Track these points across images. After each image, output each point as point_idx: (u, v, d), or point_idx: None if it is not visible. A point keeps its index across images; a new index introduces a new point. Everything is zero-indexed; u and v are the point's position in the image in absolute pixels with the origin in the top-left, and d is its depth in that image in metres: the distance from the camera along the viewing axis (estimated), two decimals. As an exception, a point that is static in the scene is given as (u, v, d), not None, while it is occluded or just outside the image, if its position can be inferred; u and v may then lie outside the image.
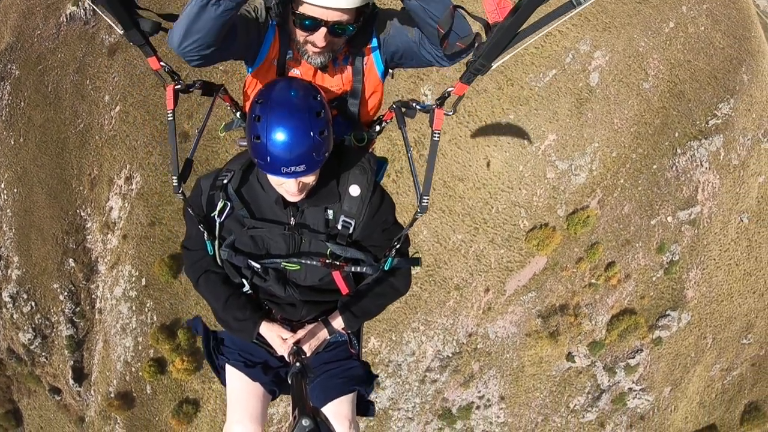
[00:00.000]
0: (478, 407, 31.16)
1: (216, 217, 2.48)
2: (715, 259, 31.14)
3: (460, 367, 30.31)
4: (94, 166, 30.45)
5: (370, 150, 2.96)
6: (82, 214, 30.99)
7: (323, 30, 2.16)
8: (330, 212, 2.49)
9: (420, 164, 3.60)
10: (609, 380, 31.24)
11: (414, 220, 2.41)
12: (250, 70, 2.65)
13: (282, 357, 2.67)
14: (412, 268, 2.79)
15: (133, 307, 31.37)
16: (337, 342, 2.92)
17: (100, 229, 31.04)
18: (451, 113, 2.40)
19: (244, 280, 2.62)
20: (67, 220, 30.84)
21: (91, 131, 30.28)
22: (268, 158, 2.09)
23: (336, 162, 2.44)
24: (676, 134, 30.33)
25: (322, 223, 2.50)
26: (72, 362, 33.87)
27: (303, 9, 2.12)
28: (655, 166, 29.99)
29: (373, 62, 2.54)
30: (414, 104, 2.66)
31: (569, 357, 30.68)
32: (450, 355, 30.07)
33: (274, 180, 2.27)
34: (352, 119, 2.67)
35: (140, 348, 32.42)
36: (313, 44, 2.24)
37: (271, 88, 2.22)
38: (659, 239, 29.77)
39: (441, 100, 2.39)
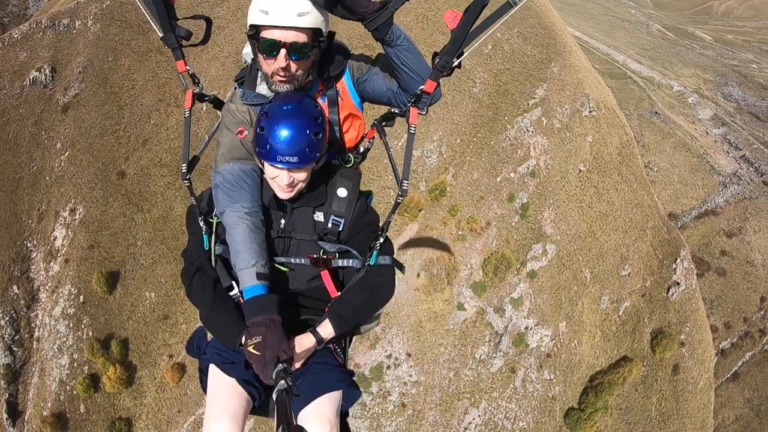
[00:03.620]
0: (388, 367, 33.57)
1: (214, 217, 2.71)
2: (564, 202, 36.59)
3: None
4: (43, 202, 37.17)
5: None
6: (29, 245, 36.78)
7: (283, 51, 2.40)
8: (320, 214, 2.70)
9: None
10: (502, 321, 34.21)
11: (397, 204, 2.59)
12: None
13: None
14: (396, 271, 2.90)
15: (71, 324, 35.49)
16: (322, 349, 2.79)
17: (44, 258, 36.60)
18: (424, 112, 2.64)
19: (233, 282, 2.66)
20: (15, 249, 36.49)
21: (43, 173, 37.56)
22: (268, 147, 2.36)
23: (326, 176, 2.75)
24: (506, 117, 38.17)
25: (311, 225, 2.70)
26: (7, 395, 35.93)
27: (263, 34, 2.41)
28: (492, 142, 37.17)
29: (349, 95, 2.84)
30: (391, 114, 2.92)
31: (460, 306, 34.19)
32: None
33: (269, 171, 2.50)
34: (337, 146, 2.90)
35: (75, 365, 35.66)
36: (277, 72, 2.49)
37: (279, 96, 2.53)
38: (507, 191, 35.67)
39: (415, 99, 2.60)
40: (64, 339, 36.57)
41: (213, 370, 2.71)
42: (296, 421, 2.51)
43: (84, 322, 36.30)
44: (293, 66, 2.49)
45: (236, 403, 2.57)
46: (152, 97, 38.63)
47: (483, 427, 34.53)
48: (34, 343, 37.11)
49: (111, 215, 37.36)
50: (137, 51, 39.25)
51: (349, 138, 2.95)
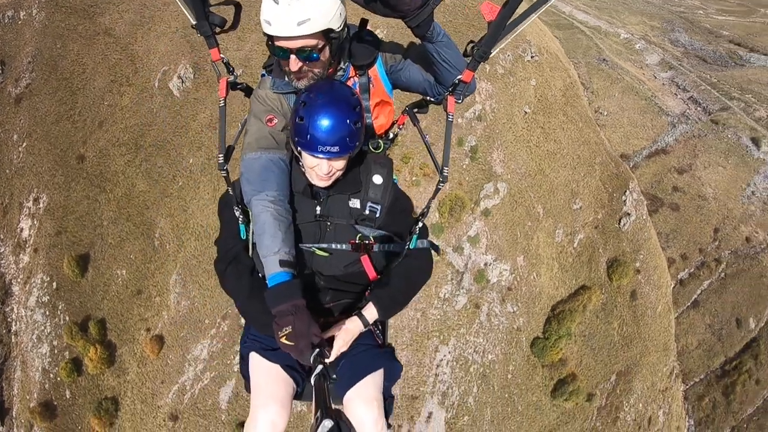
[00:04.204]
0: (357, 312, 34.95)
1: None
2: (512, 142, 38.25)
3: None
4: (5, 195, 37.62)
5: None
6: (-5, 240, 37.38)
7: (293, 57, 2.45)
8: (356, 201, 2.70)
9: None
10: (462, 260, 35.83)
11: (437, 190, 2.70)
12: None
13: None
14: (433, 253, 2.92)
15: (47, 312, 36.12)
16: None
17: (13, 251, 37.13)
18: (460, 101, 2.70)
19: None
20: (-19, 247, 37.07)
21: (2, 166, 37.92)
22: (308, 137, 2.35)
23: (357, 161, 2.74)
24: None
25: (346, 211, 2.69)
26: (-8, 394, 36.48)
27: (275, 41, 2.45)
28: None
29: (380, 82, 2.87)
30: (425, 101, 2.94)
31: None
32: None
33: (308, 161, 2.49)
34: (368, 131, 2.84)
35: (56, 352, 36.33)
36: (291, 72, 2.54)
37: (317, 84, 2.53)
38: (456, 136, 37.12)
39: (452, 88, 2.62)
40: (42, 327, 37.18)
41: (255, 358, 2.75)
42: (342, 402, 2.58)
43: (60, 308, 36.95)
44: (306, 67, 2.53)
45: (282, 389, 2.59)
46: (104, 79, 39.11)
47: (454, 363, 36.27)
48: (13, 337, 37.80)
49: (75, 199, 37.91)
50: (84, 35, 39.61)
51: (380, 124, 2.97)
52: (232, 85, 2.78)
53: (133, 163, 38.04)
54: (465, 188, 36.34)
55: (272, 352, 2.71)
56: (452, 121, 2.69)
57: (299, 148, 2.45)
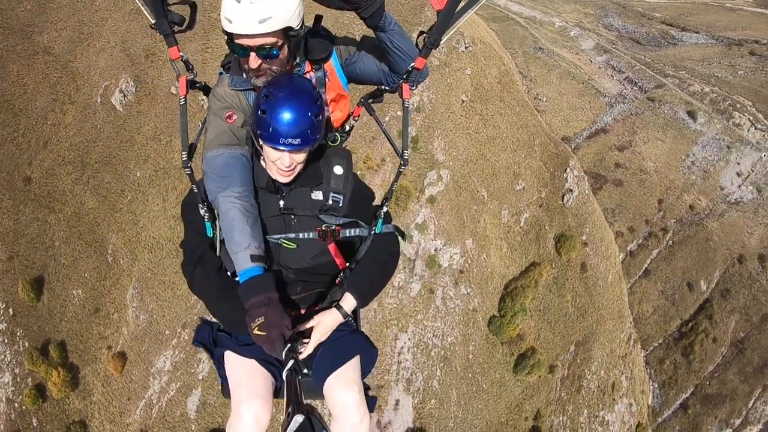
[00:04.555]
0: (315, 308, 35.67)
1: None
2: (452, 130, 39.68)
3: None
4: (-50, 225, 37.16)
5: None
6: (-55, 273, 36.73)
7: (252, 55, 2.49)
8: (318, 193, 2.73)
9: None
10: (412, 247, 36.95)
11: (399, 173, 2.72)
12: None
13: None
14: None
15: (5, 340, 35.67)
16: None
17: (-37, 280, 36.63)
18: (414, 87, 2.75)
19: None
20: (-71, 277, 36.40)
21: None
22: (270, 129, 2.38)
23: (317, 154, 2.77)
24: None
25: (310, 203, 2.72)
26: (-47, 431, 35.79)
27: (234, 38, 2.48)
28: (375, 87, 39.80)
29: (336, 76, 2.89)
30: (380, 90, 2.98)
31: (372, 239, 36.59)
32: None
33: (270, 154, 2.52)
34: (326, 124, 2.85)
35: (18, 380, 35.86)
36: (251, 69, 2.57)
37: (278, 78, 2.57)
38: (396, 128, 38.22)
39: (406, 75, 2.70)
40: (2, 356, 36.61)
41: (230, 356, 2.77)
42: (320, 396, 2.65)
43: (18, 334, 36.41)
44: (265, 64, 2.57)
45: (261, 383, 2.61)
46: (45, 99, 39.04)
47: (415, 349, 37.28)
48: None
49: (24, 222, 37.60)
50: (23, 55, 39.47)
51: (336, 117, 3.01)
52: (192, 84, 2.78)
53: (80, 180, 38.05)
54: (409, 178, 37.52)
55: (248, 348, 2.72)
56: (409, 107, 2.76)
57: (261, 141, 2.49)
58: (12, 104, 39.18)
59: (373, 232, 2.82)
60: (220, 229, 2.64)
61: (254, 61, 2.53)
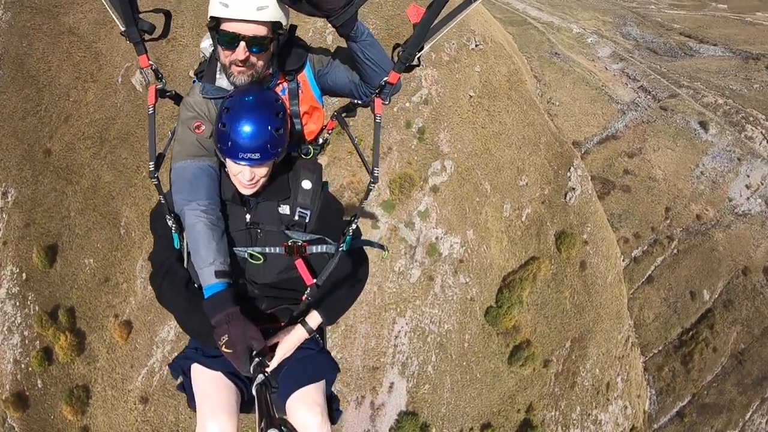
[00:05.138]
0: (317, 288, 36.70)
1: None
2: (458, 124, 40.57)
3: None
4: (-28, 192, 38.95)
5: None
6: (-37, 237, 38.47)
7: (242, 44, 2.45)
8: (286, 207, 2.72)
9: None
10: (414, 234, 37.84)
11: (369, 190, 2.73)
12: None
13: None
14: (367, 254, 3.00)
15: (17, 303, 37.26)
16: None
17: (-19, 246, 38.34)
18: (387, 102, 2.74)
19: None
20: (-51, 245, 38.13)
21: None
22: (230, 143, 2.36)
23: (286, 167, 2.77)
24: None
25: (276, 217, 2.72)
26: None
27: (224, 26, 2.45)
28: (390, 78, 40.91)
29: (309, 87, 2.89)
30: (353, 104, 3.00)
31: (374, 225, 37.61)
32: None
33: (231, 168, 2.50)
34: (297, 137, 2.91)
35: (27, 342, 37.40)
36: (236, 63, 2.53)
37: (241, 89, 2.53)
38: (404, 119, 39.34)
39: (379, 89, 2.71)
40: (13, 319, 38.19)
41: (196, 369, 2.74)
42: (284, 407, 2.60)
43: (29, 298, 38.04)
44: (252, 58, 2.54)
45: (227, 396, 2.57)
46: (69, 76, 40.78)
47: (412, 334, 38.11)
48: None
49: (42, 192, 39.27)
50: (49, 34, 41.30)
51: (310, 130, 2.98)
52: (161, 93, 2.77)
53: (98, 155, 39.62)
54: (414, 167, 38.45)
55: (213, 360, 2.70)
56: (380, 123, 2.74)
57: (222, 155, 2.47)
58: (36, 80, 41.01)
59: (341, 249, 2.78)
60: (187, 242, 2.62)
61: (243, 52, 2.51)
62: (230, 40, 2.49)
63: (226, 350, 2.40)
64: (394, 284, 37.73)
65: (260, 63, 2.62)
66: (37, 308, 37.66)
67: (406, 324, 37.94)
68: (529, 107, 44.73)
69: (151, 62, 2.61)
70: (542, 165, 43.46)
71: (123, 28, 2.44)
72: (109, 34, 41.05)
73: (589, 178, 46.16)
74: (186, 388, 2.85)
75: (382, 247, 3.18)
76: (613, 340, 46.41)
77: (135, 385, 37.55)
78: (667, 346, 57.41)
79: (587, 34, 75.35)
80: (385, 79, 2.65)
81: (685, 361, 56.53)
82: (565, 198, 43.67)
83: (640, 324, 55.78)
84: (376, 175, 2.71)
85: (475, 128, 41.06)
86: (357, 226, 2.85)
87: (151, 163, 2.67)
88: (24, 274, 37.77)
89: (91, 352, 37.92)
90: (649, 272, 58.56)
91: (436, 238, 38.39)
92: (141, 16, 2.46)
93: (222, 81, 2.76)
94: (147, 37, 2.54)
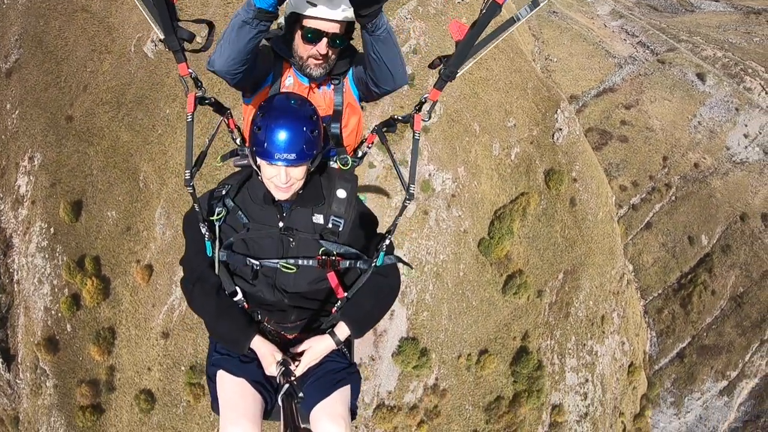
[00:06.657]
0: (319, 225, 39.68)
1: (215, 221, 2.65)
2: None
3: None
4: (2, 158, 42.87)
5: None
6: (-5, 199, 42.44)
7: (324, 40, 2.62)
8: (319, 216, 2.67)
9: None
10: (407, 171, 40.32)
11: (404, 207, 2.71)
12: (248, 101, 3.14)
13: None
14: (399, 268, 2.94)
15: (46, 255, 40.91)
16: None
17: (12, 207, 42.14)
18: (427, 119, 2.80)
19: (237, 288, 2.72)
20: (-18, 208, 42.06)
21: None
22: (265, 144, 2.37)
23: (321, 176, 2.75)
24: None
25: (310, 225, 2.67)
26: (-4, 340, 40.46)
27: (307, 23, 2.61)
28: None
29: (350, 90, 3.04)
30: (393, 120, 3.08)
31: (371, 165, 40.35)
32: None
33: (266, 171, 2.48)
34: (335, 141, 2.98)
35: (56, 290, 40.77)
36: (315, 56, 2.72)
37: (273, 96, 2.57)
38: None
39: (419, 106, 2.79)
40: (42, 270, 41.73)
41: (222, 375, 2.76)
42: (308, 418, 2.64)
43: (57, 250, 41.58)
44: (330, 52, 2.77)
45: (251, 404, 2.60)
46: (85, 49, 44.45)
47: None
48: (15, 286, 42.10)
49: (66, 154, 42.98)
50: (64, 13, 45.10)
51: (348, 134, 3.12)
52: (200, 100, 2.69)
53: (116, 118, 43.14)
54: (406, 110, 40.78)
55: (239, 367, 2.74)
56: (419, 139, 2.77)
57: (257, 158, 2.47)
58: (55, 54, 44.80)
59: (374, 264, 2.76)
60: (219, 249, 2.68)
61: (324, 47, 2.75)
62: (315, 36, 2.70)
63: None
64: (392, 219, 40.22)
65: (333, 57, 2.87)
66: (65, 258, 41.18)
67: (404, 255, 40.50)
68: (516, 55, 46.92)
69: (190, 70, 2.56)
70: (530, 108, 45.63)
71: (162, 37, 2.42)
72: (119, 9, 44.63)
73: (577, 120, 48.07)
74: (211, 392, 2.91)
75: (409, 265, 3.22)
76: (606, 275, 48.35)
77: (156, 323, 40.73)
78: (666, 290, 59.09)
79: (587, -8, 76.84)
80: (426, 96, 2.75)
81: (684, 304, 58.15)
82: (552, 138, 45.78)
83: (639, 269, 57.53)
84: (412, 191, 2.69)
85: (462, 74, 43.26)
86: (390, 242, 2.83)
87: (187, 171, 2.57)
88: (52, 229, 41.38)
89: (116, 296, 41.27)
90: (648, 218, 60.26)
91: (429, 174, 40.92)
92: (181, 24, 2.44)
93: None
94: (188, 47, 2.51)
